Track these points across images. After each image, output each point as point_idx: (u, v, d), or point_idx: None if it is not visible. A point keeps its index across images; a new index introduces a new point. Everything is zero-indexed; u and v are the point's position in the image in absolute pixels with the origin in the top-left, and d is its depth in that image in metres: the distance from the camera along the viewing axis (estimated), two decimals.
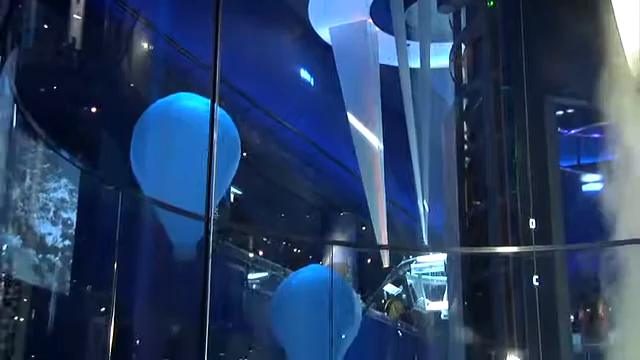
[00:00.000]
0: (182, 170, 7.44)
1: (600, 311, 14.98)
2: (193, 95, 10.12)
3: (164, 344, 8.88)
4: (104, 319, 5.93)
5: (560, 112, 14.99)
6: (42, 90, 12.30)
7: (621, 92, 12.32)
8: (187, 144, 8.04)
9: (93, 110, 14.66)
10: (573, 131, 16.82)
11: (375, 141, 19.00)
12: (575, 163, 17.77)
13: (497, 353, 12.48)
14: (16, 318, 4.14)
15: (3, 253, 4.10)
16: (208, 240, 2.94)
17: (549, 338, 12.39)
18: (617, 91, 12.22)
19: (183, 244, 8.06)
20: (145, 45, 15.65)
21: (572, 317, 14.28)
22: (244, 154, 19.37)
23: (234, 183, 19.50)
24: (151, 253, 8.74)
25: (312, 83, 21.72)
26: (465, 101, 14.73)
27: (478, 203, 14.17)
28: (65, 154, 5.48)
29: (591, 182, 13.83)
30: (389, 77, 17.08)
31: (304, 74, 21.64)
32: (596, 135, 14.76)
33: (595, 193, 14.00)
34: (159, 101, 10.17)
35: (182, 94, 10.28)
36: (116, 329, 5.66)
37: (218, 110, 3.06)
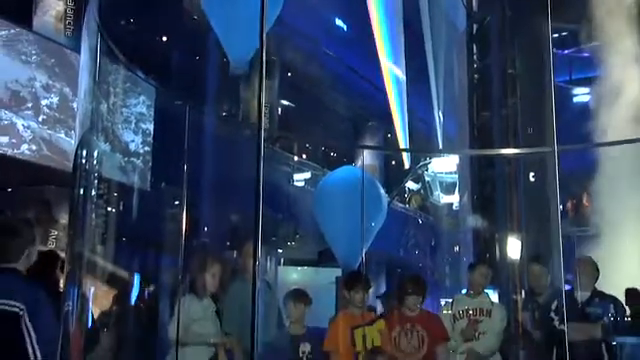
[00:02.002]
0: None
1: (584, 201, 14.94)
2: None
3: (226, 231, 9.03)
4: (177, 210, 6.00)
5: (555, 35, 14.73)
6: (122, 21, 12.22)
7: (608, 15, 12.09)
8: None
9: (164, 38, 14.61)
10: (567, 51, 16.53)
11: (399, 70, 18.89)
12: (568, 78, 17.52)
13: (500, 237, 12.55)
14: (108, 209, 4.24)
15: (96, 156, 4.15)
16: (260, 146, 2.92)
17: (542, 224, 12.42)
18: (604, 15, 12.00)
19: (239, 59, 7.91)
20: None
21: (561, 207, 14.28)
22: (289, 74, 19.34)
23: (282, 98, 19.50)
24: (214, 156, 8.79)
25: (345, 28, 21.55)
26: (474, 26, 14.52)
27: (485, 113, 14.09)
28: (142, 75, 5.50)
29: (580, 94, 13.62)
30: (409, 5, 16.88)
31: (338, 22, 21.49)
32: (586, 54, 14.48)
33: (584, 103, 13.83)
34: None
35: None
36: (187, 218, 5.73)
37: None
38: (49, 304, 3.66)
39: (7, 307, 3.51)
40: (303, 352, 5.89)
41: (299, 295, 6.13)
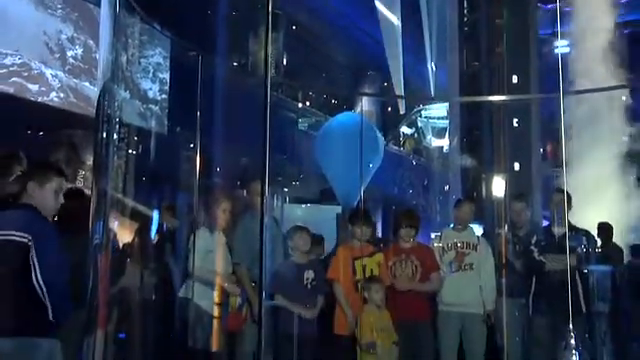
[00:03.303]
0: None
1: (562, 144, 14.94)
2: None
3: (236, 171, 9.04)
4: (191, 152, 6.00)
5: None
6: None
7: None
8: None
9: None
10: (549, 5, 16.28)
11: (395, 18, 18.63)
12: (550, 32, 17.30)
13: (485, 177, 12.59)
14: (128, 151, 4.24)
15: (117, 103, 4.13)
16: (267, 94, 2.89)
17: (524, 164, 12.45)
18: None
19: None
20: None
21: (541, 149, 14.27)
22: (294, 27, 19.12)
23: (287, 50, 19.30)
24: (225, 103, 8.75)
25: None
26: None
27: (475, 63, 13.99)
28: (158, 27, 5.44)
29: (561, 46, 13.47)
30: None
31: None
32: (568, 9, 14.27)
33: (564, 54, 13.70)
34: None
35: None
36: (201, 159, 5.73)
37: None
38: (54, 237, 3.75)
39: (18, 238, 3.61)
40: (307, 279, 5.97)
41: (301, 229, 6.20)
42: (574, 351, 2.51)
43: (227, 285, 5.66)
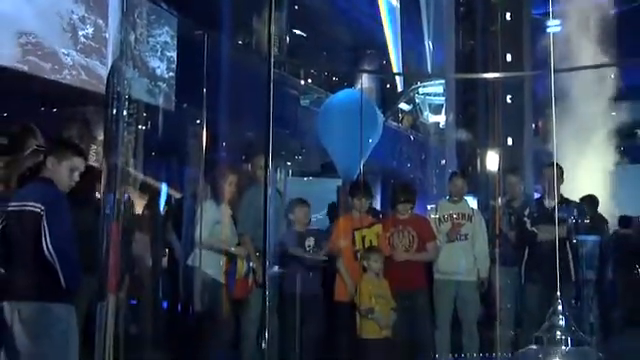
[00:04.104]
0: None
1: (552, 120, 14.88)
2: None
3: (241, 145, 9.02)
4: (198, 127, 5.98)
5: None
6: None
7: None
8: None
9: None
10: None
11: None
12: (543, 11, 17.16)
13: (480, 151, 12.57)
14: (137, 127, 4.23)
15: (126, 81, 4.10)
16: (270, 72, 2.87)
17: (517, 139, 12.43)
18: None
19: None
20: None
21: (534, 125, 14.22)
22: (296, 7, 18.96)
23: (290, 29, 19.17)
24: (230, 80, 8.70)
25: None
26: None
27: (470, 42, 13.91)
28: (165, 7, 5.38)
29: (552, 25, 13.38)
30: None
31: None
32: None
33: (556, 33, 13.61)
34: None
35: None
36: (207, 134, 5.73)
37: None
38: (66, 208, 3.79)
39: (32, 208, 3.67)
40: (308, 245, 6.06)
41: (302, 201, 6.27)
42: (561, 316, 2.52)
43: (234, 248, 5.68)
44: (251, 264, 5.73)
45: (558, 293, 2.64)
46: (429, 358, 6.31)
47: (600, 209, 8.12)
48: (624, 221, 9.60)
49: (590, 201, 7.77)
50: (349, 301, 6.13)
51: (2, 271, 3.78)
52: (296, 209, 6.16)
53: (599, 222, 7.93)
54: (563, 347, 2.44)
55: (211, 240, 5.59)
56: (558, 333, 2.46)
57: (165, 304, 5.97)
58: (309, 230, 6.24)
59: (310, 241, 6.09)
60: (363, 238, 6.32)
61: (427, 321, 6.38)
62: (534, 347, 2.52)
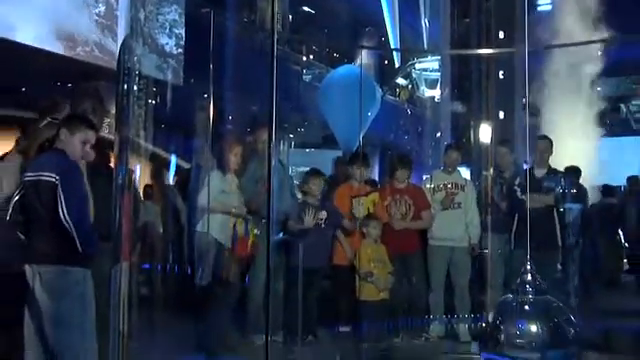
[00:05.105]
0: None
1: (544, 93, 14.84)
2: None
3: (246, 119, 9.00)
4: (205, 101, 5.96)
5: None
6: None
7: None
8: None
9: None
10: None
11: None
12: None
13: (474, 124, 12.54)
14: (147, 101, 4.21)
15: (136, 57, 4.08)
16: (273, 48, 2.84)
17: (508, 112, 12.38)
18: None
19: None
20: None
21: (523, 99, 14.16)
22: None
23: (293, 7, 18.98)
24: (236, 56, 8.65)
25: None
26: None
27: (465, 19, 13.82)
28: None
29: (543, 4, 13.26)
30: None
31: None
32: None
33: (546, 11, 13.49)
34: None
35: None
36: (214, 108, 5.71)
37: None
38: (78, 176, 3.82)
39: (47, 177, 3.68)
40: (320, 219, 5.99)
41: (317, 174, 6.22)
42: (529, 273, 2.96)
43: (234, 210, 5.67)
44: (249, 225, 5.73)
45: (528, 256, 3.03)
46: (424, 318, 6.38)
47: (583, 180, 8.16)
48: (607, 190, 9.64)
49: (573, 172, 7.80)
50: (348, 265, 6.18)
51: (22, 237, 3.81)
52: (310, 181, 6.10)
53: (581, 191, 7.97)
54: (530, 296, 2.93)
55: (216, 205, 5.60)
56: (527, 286, 2.95)
57: (176, 268, 6.02)
58: (321, 203, 6.15)
59: (322, 214, 6.00)
60: (360, 205, 6.34)
61: (422, 283, 6.44)
62: (510, 296, 3.01)
